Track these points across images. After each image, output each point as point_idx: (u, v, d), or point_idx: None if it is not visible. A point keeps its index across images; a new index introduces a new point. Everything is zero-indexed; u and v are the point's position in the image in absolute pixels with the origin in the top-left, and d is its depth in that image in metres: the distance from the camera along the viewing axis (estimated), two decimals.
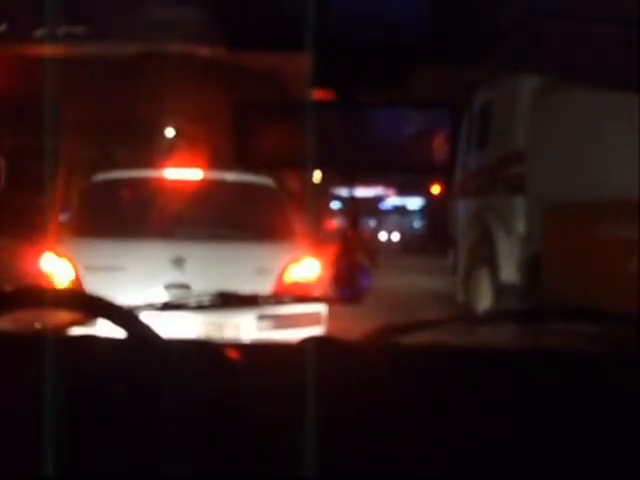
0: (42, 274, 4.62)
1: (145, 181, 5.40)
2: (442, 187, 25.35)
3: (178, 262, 4.60)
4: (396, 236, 35.90)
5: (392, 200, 38.81)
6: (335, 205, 29.63)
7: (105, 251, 4.80)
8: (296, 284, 4.70)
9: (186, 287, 4.46)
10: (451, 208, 10.40)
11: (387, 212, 38.89)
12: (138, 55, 11.74)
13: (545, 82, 8.02)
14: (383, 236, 35.30)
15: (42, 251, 4.74)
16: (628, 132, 6.96)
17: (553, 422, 1.06)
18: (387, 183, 35.29)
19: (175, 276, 4.55)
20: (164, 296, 4.30)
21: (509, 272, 7.91)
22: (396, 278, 12.71)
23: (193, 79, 12.48)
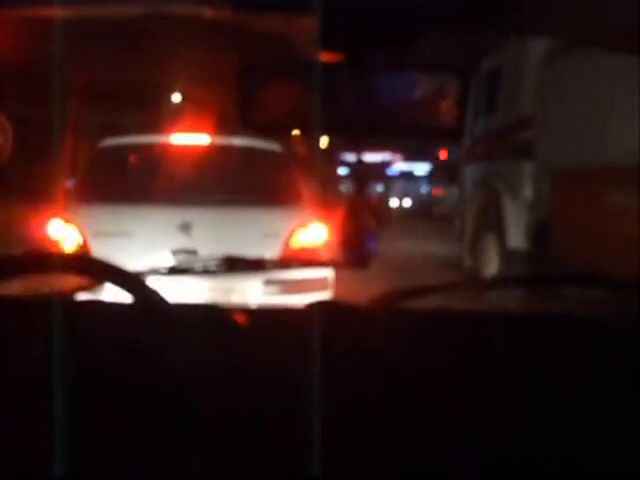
0: (49, 240, 4.63)
1: (152, 146, 5.38)
2: (449, 153, 25.28)
3: (185, 227, 4.60)
4: (408, 202, 35.97)
5: (399, 165, 38.69)
6: (342, 171, 29.56)
7: (112, 217, 4.80)
8: (303, 249, 4.70)
9: (193, 252, 4.46)
10: (459, 173, 10.36)
11: (394, 178, 38.79)
12: (143, 17, 11.64)
13: (554, 46, 7.95)
14: (394, 202, 35.38)
15: (49, 217, 4.74)
16: (637, 97, 6.90)
17: (561, 388, 1.05)
18: (394, 149, 35.16)
19: (182, 241, 4.55)
20: (171, 261, 4.30)
21: (516, 238, 7.90)
22: (403, 243, 12.71)
23: (199, 42, 12.39)
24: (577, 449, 0.92)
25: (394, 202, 35.66)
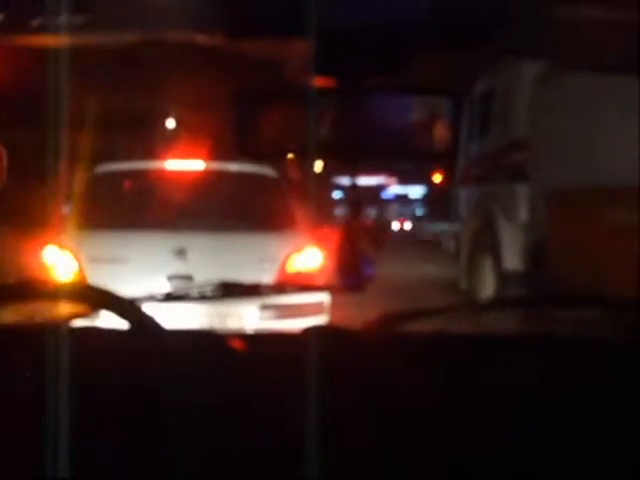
0: (45, 266, 4.62)
1: (147, 172, 5.39)
2: (444, 175, 25.33)
3: (181, 253, 4.60)
4: (408, 225, 36.33)
5: (394, 189, 38.81)
6: (337, 194, 29.64)
7: (108, 243, 4.80)
8: (298, 273, 4.70)
9: (189, 278, 4.46)
10: (453, 196, 10.39)
11: (389, 201, 38.91)
12: (138, 44, 11.70)
13: (547, 68, 8.00)
14: (396, 225, 35.78)
15: (45, 243, 4.74)
16: (630, 118, 6.94)
17: (558, 409, 1.05)
18: (389, 172, 35.27)
19: (178, 267, 4.54)
20: (167, 287, 4.30)
21: (512, 259, 7.91)
22: (398, 265, 12.72)
23: (194, 68, 12.44)
24: (572, 462, 0.92)
25: (396, 225, 36.03)
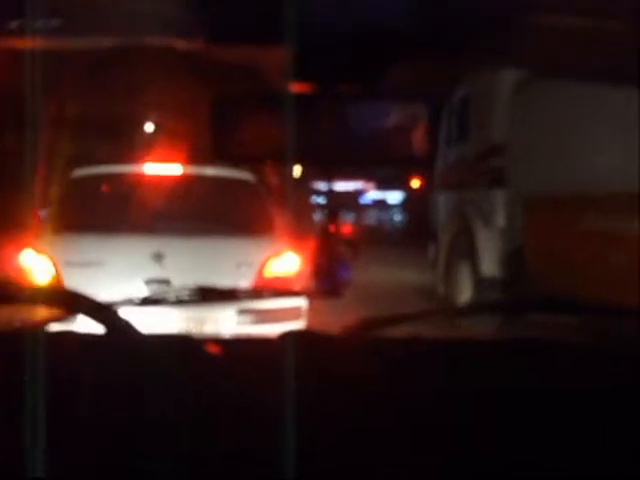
0: (22, 270, 4.59)
1: (124, 176, 5.37)
2: (422, 181, 25.42)
3: (158, 257, 4.58)
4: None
5: (372, 194, 38.87)
6: (315, 200, 29.66)
7: (85, 247, 4.78)
8: (276, 278, 4.70)
9: (166, 282, 4.45)
10: (432, 201, 10.43)
11: (367, 206, 38.96)
12: (116, 49, 11.66)
13: (525, 75, 8.06)
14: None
15: (22, 247, 4.71)
16: (607, 125, 7.00)
17: (534, 414, 1.06)
18: (367, 177, 35.32)
19: (155, 271, 4.53)
20: (144, 291, 4.28)
21: (489, 265, 7.95)
22: (377, 271, 12.73)
23: (172, 73, 12.42)
24: (549, 468, 0.93)
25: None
